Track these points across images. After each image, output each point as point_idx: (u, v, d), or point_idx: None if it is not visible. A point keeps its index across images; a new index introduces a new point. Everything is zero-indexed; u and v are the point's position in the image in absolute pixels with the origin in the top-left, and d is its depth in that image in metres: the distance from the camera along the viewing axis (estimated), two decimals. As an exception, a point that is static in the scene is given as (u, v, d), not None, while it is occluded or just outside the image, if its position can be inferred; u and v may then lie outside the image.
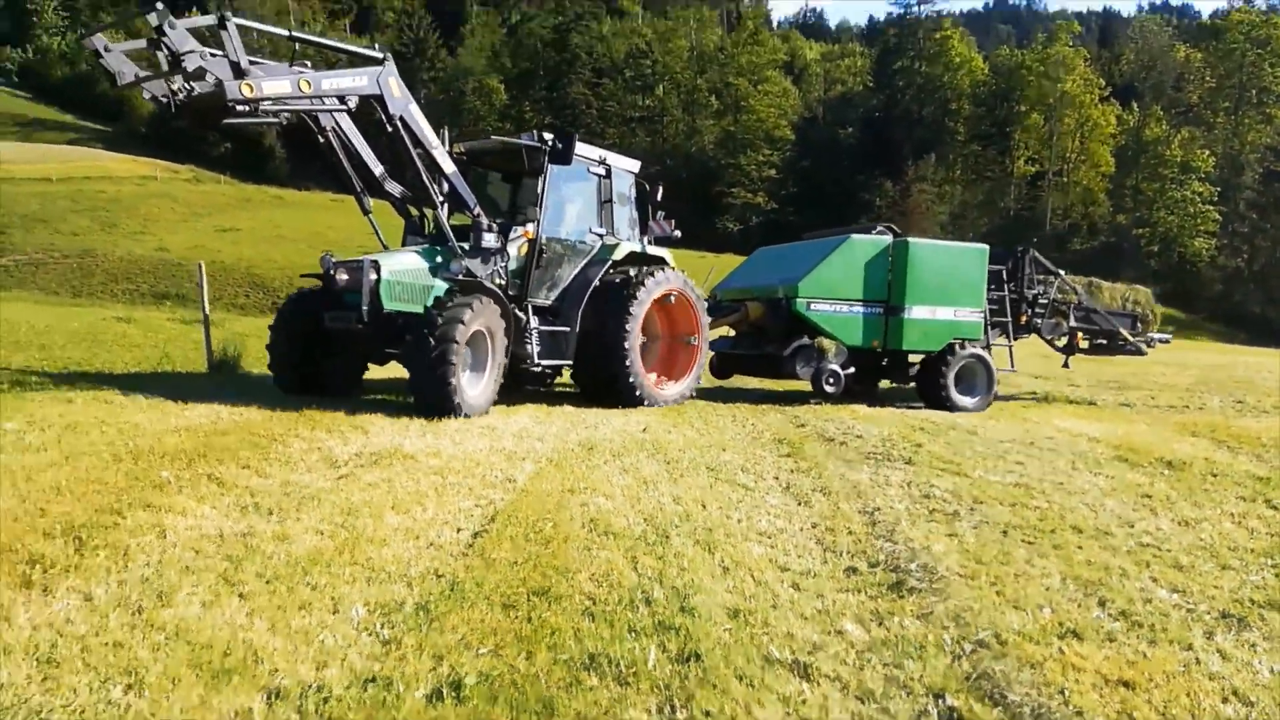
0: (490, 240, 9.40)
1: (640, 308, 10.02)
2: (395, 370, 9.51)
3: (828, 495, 5.98)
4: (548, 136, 9.59)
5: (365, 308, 8.43)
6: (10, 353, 12.08)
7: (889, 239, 12.24)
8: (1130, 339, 14.43)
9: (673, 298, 10.78)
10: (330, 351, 9.35)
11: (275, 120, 9.06)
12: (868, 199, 71.74)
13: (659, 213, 11.62)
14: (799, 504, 5.75)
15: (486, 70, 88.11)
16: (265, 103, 7.83)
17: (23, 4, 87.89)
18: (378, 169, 9.32)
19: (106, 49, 7.66)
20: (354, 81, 8.53)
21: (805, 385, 11.99)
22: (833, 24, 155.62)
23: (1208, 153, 71.70)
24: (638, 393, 10.05)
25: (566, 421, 8.72)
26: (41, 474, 5.20)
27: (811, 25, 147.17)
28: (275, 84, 7.78)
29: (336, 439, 6.81)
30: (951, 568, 4.43)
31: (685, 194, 72.67)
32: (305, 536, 4.30)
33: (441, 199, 9.36)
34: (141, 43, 7.95)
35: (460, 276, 8.97)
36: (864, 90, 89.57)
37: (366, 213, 9.56)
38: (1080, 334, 14.29)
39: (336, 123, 8.80)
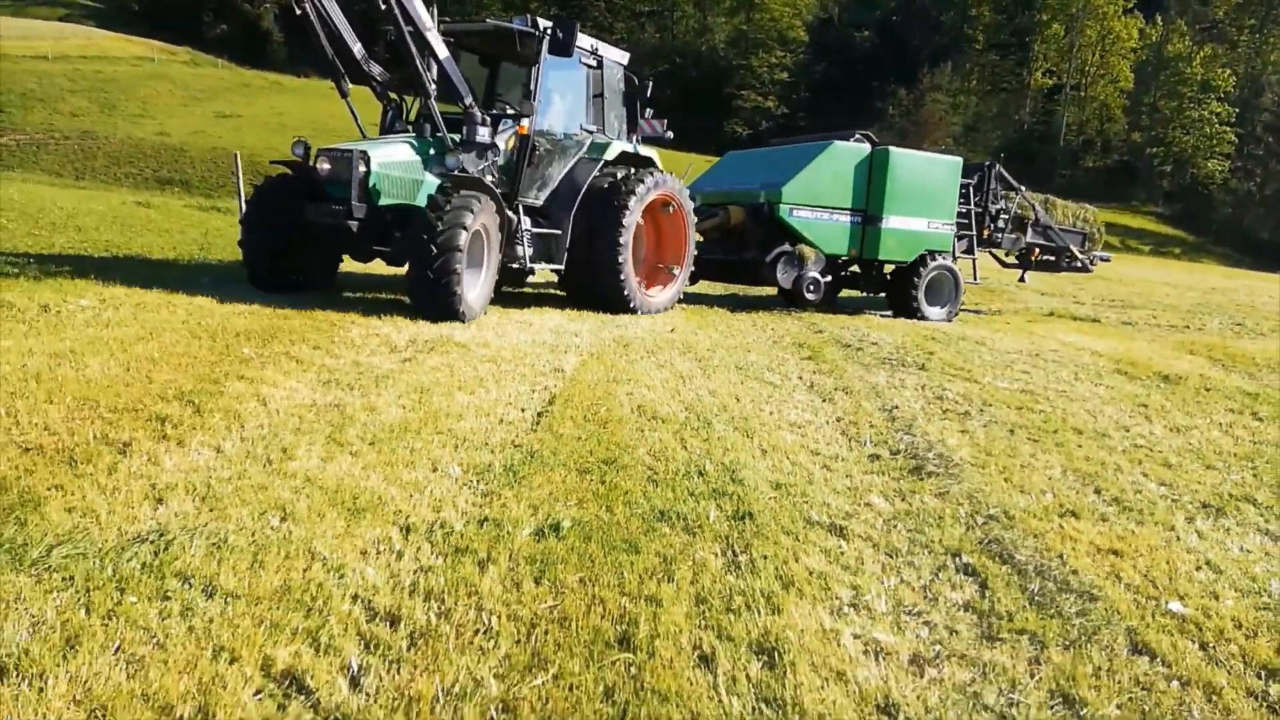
0: (484, 134, 8.88)
1: (633, 215, 9.62)
2: (377, 266, 9.56)
3: (849, 394, 6.49)
4: (543, 22, 9.08)
5: (355, 202, 8.02)
6: (51, 234, 12.43)
7: (868, 147, 12.26)
8: (1079, 256, 14.86)
9: (671, 207, 10.53)
10: (306, 245, 8.73)
11: None
12: (880, 106, 70.57)
13: (648, 110, 11.14)
14: (823, 400, 6.26)
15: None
16: None
17: None
18: (357, 48, 8.63)
19: None
20: None
21: (769, 291, 12.31)
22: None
23: (1229, 71, 70.36)
24: (630, 301, 9.76)
25: (596, 321, 9.16)
26: (133, 346, 5.67)
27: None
28: None
29: (389, 326, 7.27)
30: (964, 458, 4.96)
31: (695, 94, 71.50)
32: (390, 409, 4.80)
33: (434, 86, 8.76)
34: None
35: (456, 172, 8.49)
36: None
37: (344, 96, 9.01)
38: (1036, 250, 14.64)
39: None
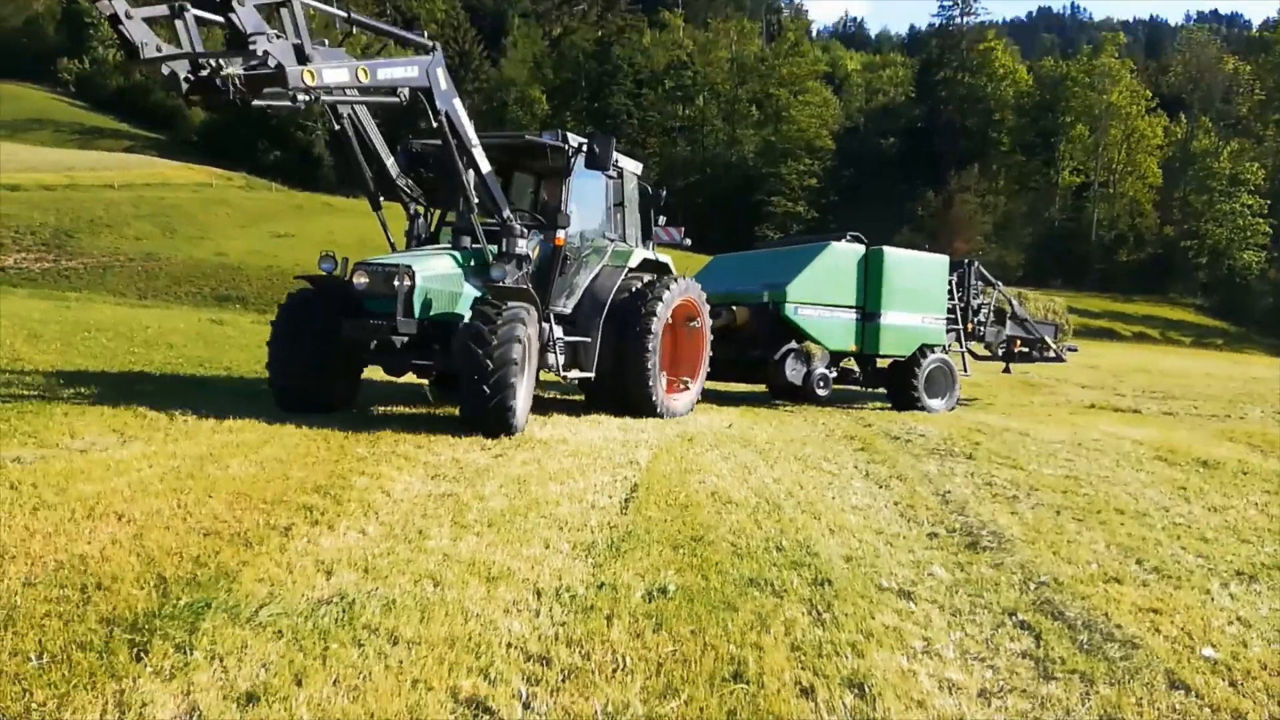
0: (523, 245, 8.97)
1: (660, 321, 9.70)
2: (373, 374, 9.43)
3: (903, 480, 7.02)
4: (574, 138, 9.43)
5: (401, 317, 7.91)
6: (148, 350, 13.49)
7: (862, 247, 12.83)
8: (1052, 346, 15.30)
9: (696, 322, 10.70)
10: (335, 363, 8.45)
11: (293, 105, 7.80)
12: (910, 208, 72.19)
13: (661, 218, 11.25)
14: (880, 487, 6.80)
15: (529, 81, 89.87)
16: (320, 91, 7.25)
17: (79, 17, 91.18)
18: (390, 162, 8.93)
19: (128, 15, 6.52)
20: (405, 72, 7.94)
21: (756, 387, 12.61)
22: (873, 33, 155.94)
23: (1257, 165, 71.25)
24: (656, 406, 9.77)
25: (656, 421, 9.80)
26: (261, 449, 6.41)
27: (851, 34, 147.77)
28: (335, 72, 7.15)
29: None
30: (1015, 534, 5.46)
31: (725, 202, 73.78)
32: (495, 497, 5.44)
33: (475, 199, 8.84)
34: (162, 9, 6.85)
35: (502, 283, 8.32)
36: (906, 100, 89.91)
37: (377, 209, 9.15)
38: (1016, 341, 15.14)
39: (354, 113, 8.38)
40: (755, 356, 12.10)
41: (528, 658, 3.27)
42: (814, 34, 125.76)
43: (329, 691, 2.94)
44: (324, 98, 7.63)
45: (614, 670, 3.20)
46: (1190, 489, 7.27)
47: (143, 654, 3.13)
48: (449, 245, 9.03)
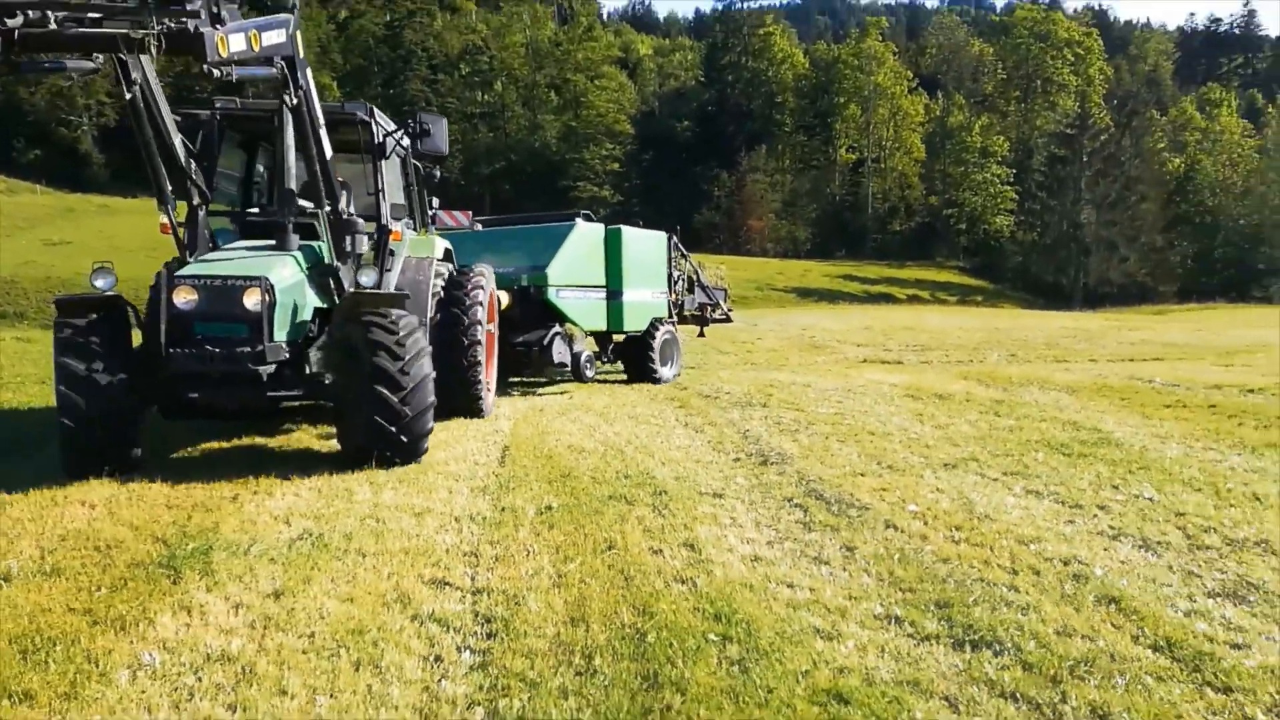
0: (364, 244, 7.67)
1: (484, 324, 9.12)
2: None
3: (714, 426, 8.80)
4: (381, 115, 8.23)
5: (269, 343, 6.41)
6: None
7: (602, 226, 12.84)
8: (723, 308, 17.11)
9: (493, 325, 9.91)
10: (133, 410, 6.55)
11: (64, 75, 5.90)
12: (706, 189, 76.05)
13: (434, 199, 10.17)
14: (696, 432, 8.54)
15: (317, 67, 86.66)
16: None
17: None
18: (179, 143, 6.42)
19: None
20: (277, 37, 6.38)
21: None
22: (661, 15, 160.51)
23: (1003, 138, 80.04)
24: (482, 405, 9.09)
25: (507, 398, 11.15)
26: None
27: (640, 17, 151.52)
28: (236, 38, 5.67)
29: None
30: (794, 454, 7.31)
31: (531, 188, 74.88)
32: (395, 469, 6.67)
33: (295, 190, 7.32)
34: None
35: (375, 289, 7.17)
36: (696, 85, 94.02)
37: (167, 205, 6.66)
38: (707, 307, 16.50)
39: (146, 83, 5.88)
40: (520, 341, 11.36)
41: (464, 555, 4.67)
42: (604, 17, 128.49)
43: (330, 586, 4.22)
44: (232, 71, 5.88)
45: (527, 553, 4.66)
46: (925, 415, 9.49)
47: (178, 580, 4.27)
48: (269, 245, 7.24)
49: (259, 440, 7.97)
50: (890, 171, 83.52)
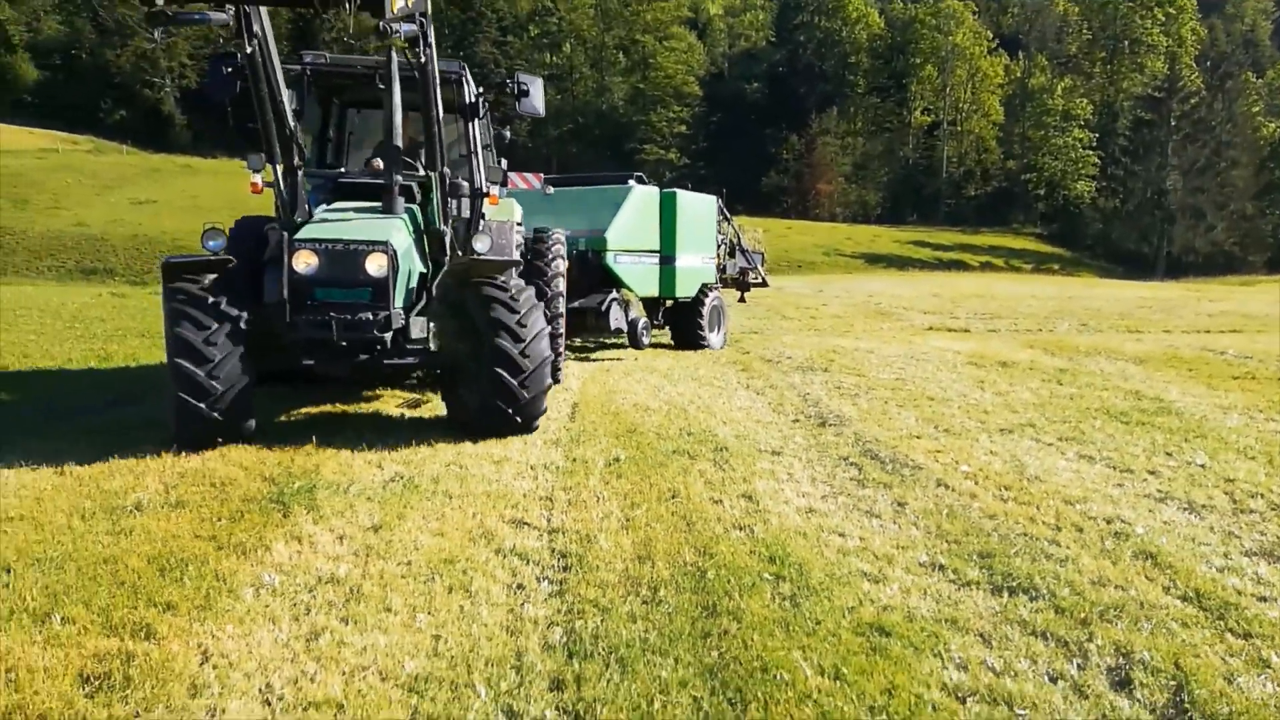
0: (465, 207, 7.47)
1: (564, 280, 9.23)
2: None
3: (775, 389, 9.09)
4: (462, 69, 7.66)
5: (395, 309, 6.30)
6: (106, 343, 14.30)
7: (657, 189, 12.54)
8: (760, 273, 16.89)
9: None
10: (250, 379, 6.23)
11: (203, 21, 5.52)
12: (774, 151, 75.25)
13: (503, 160, 8.98)
14: (757, 394, 8.84)
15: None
16: None
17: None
18: (289, 97, 6.35)
19: None
20: None
21: None
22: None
23: (1086, 101, 77.29)
24: (559, 371, 8.85)
25: (574, 359, 11.58)
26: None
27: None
28: None
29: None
30: (853, 416, 7.57)
31: (599, 150, 75.09)
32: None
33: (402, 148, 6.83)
34: None
35: (485, 255, 7.09)
36: (767, 45, 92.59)
37: (277, 163, 6.51)
38: (748, 271, 16.26)
39: (264, 30, 5.79)
40: (577, 307, 11.15)
41: (540, 499, 5.10)
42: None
43: (422, 522, 4.69)
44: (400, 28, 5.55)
45: (597, 499, 5.06)
46: (986, 382, 9.63)
47: (287, 513, 4.79)
48: (372, 207, 6.88)
49: (343, 406, 8.52)
50: (966, 135, 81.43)
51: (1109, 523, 4.78)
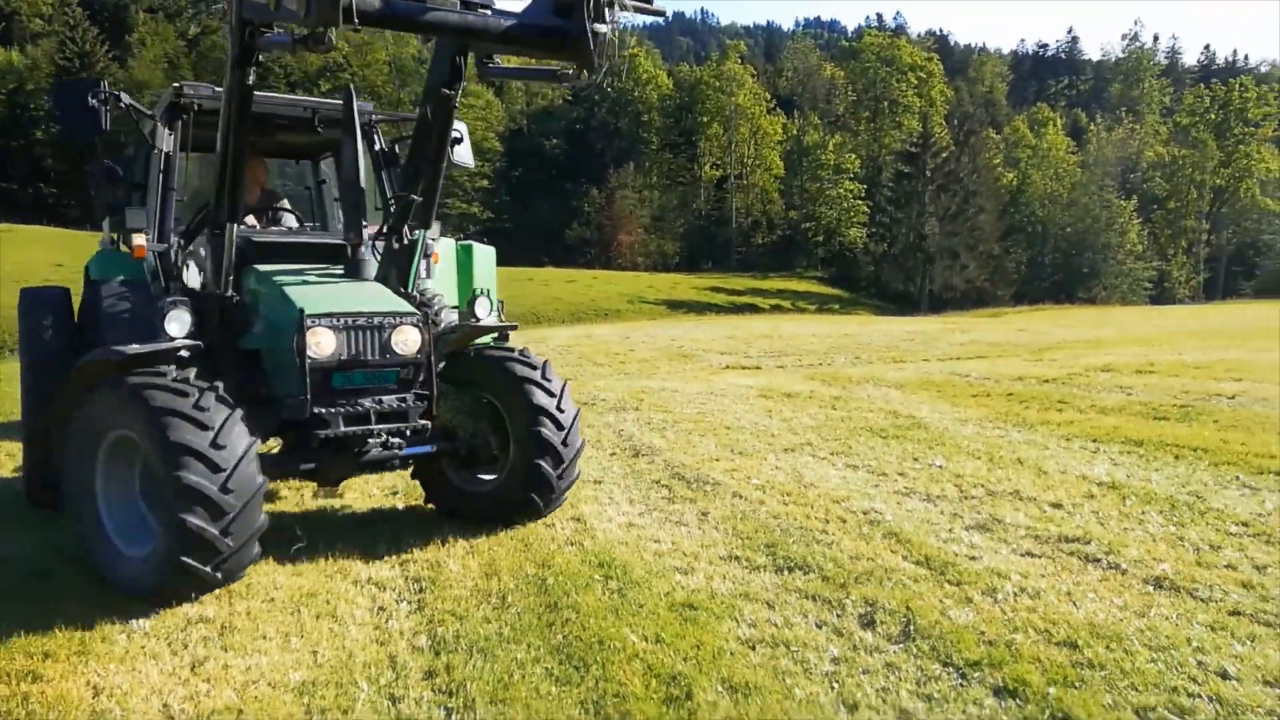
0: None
1: None
2: None
3: (592, 427, 9.92)
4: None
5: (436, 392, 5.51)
6: None
7: (452, 242, 12.33)
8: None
9: None
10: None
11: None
12: (576, 204, 77.47)
13: None
14: (575, 434, 9.63)
15: (165, 83, 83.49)
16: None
17: None
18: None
19: None
20: None
21: None
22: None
23: (855, 155, 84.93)
24: None
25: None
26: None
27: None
28: None
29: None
30: (662, 447, 8.53)
31: (403, 208, 74.26)
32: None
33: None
34: None
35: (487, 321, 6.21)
36: (564, 103, 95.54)
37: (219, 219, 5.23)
38: None
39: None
40: None
41: (387, 540, 5.62)
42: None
43: (278, 565, 5.10)
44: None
45: (441, 533, 5.66)
46: (774, 411, 10.91)
47: (145, 567, 5.06)
48: (327, 270, 5.93)
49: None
50: (752, 187, 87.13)
51: (865, 514, 5.92)
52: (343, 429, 5.06)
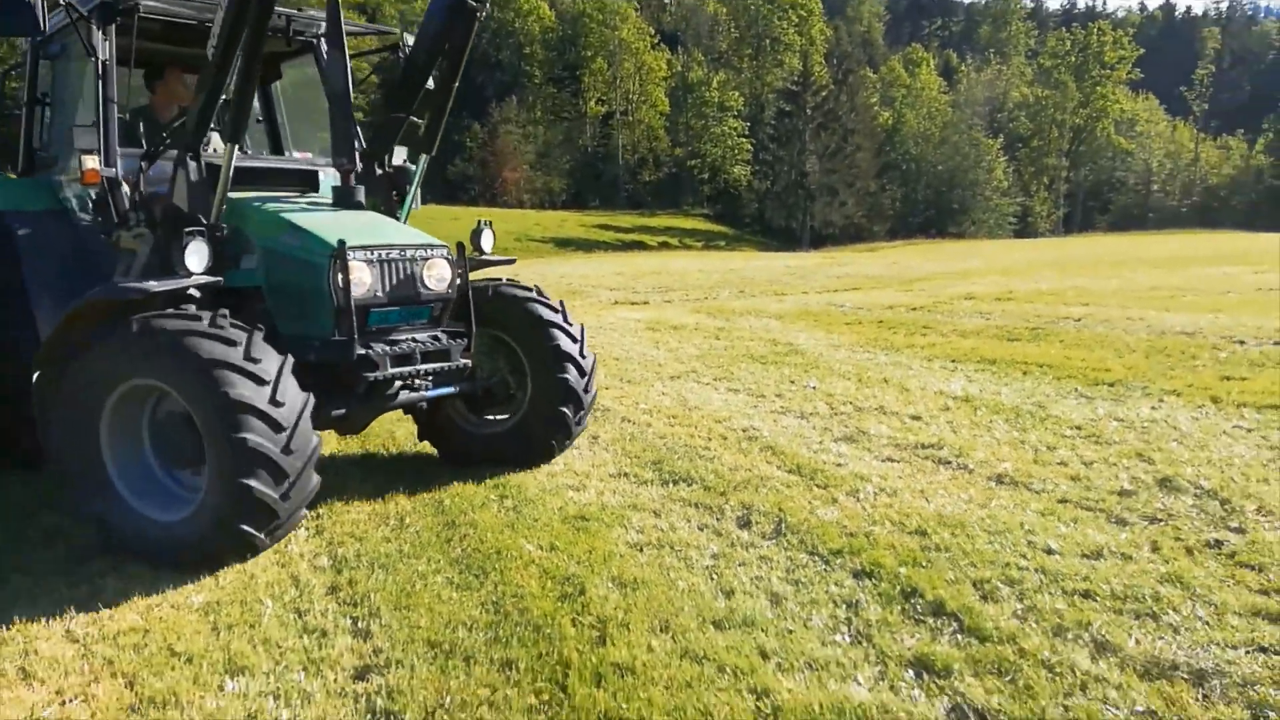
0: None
1: None
2: None
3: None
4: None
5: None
6: None
7: None
8: None
9: None
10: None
11: None
12: (458, 140, 75.55)
13: None
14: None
15: None
16: None
17: None
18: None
19: None
20: None
21: None
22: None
23: (738, 93, 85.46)
24: None
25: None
26: None
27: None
28: None
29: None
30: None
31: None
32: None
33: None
34: None
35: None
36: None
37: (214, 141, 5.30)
38: None
39: None
40: None
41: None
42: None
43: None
44: None
45: (333, 463, 5.74)
46: (661, 342, 11.27)
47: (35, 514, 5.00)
48: (322, 202, 5.45)
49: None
50: (638, 124, 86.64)
51: (744, 431, 6.33)
52: (390, 370, 4.68)
